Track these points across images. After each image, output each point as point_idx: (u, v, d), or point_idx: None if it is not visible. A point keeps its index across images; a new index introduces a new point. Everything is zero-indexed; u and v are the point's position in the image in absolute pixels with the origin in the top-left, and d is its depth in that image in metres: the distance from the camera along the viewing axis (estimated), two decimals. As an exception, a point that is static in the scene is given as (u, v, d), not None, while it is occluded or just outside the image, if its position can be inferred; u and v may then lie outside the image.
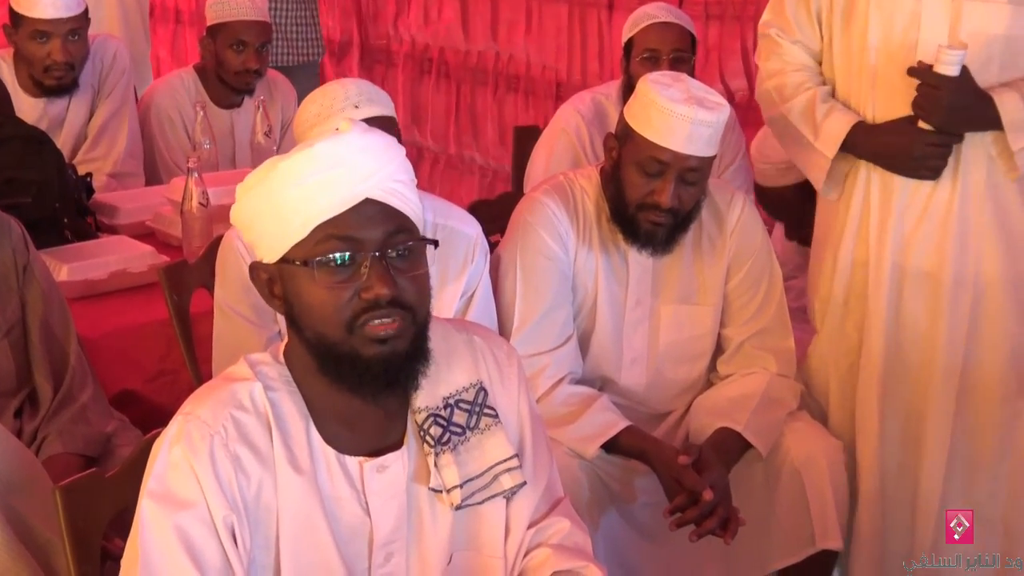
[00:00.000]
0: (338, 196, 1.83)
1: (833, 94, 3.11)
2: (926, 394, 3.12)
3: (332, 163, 1.83)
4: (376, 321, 1.83)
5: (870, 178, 3.07)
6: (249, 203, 1.89)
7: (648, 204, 2.96)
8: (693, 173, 2.94)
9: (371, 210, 1.85)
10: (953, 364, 3.07)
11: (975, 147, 2.95)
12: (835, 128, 3.02)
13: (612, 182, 3.05)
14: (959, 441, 3.11)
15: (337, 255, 1.83)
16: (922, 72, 2.87)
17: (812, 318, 3.33)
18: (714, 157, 3.00)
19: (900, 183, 3.02)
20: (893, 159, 3.00)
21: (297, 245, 1.85)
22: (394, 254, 1.86)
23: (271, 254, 1.89)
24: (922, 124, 2.92)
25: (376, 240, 1.85)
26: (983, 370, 3.08)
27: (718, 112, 2.91)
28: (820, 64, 3.16)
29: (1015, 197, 3.00)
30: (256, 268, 1.94)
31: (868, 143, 3.02)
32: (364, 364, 1.85)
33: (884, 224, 3.06)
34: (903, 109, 2.95)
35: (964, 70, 2.85)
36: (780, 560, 3.09)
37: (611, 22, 5.73)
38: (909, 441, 3.15)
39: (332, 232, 1.83)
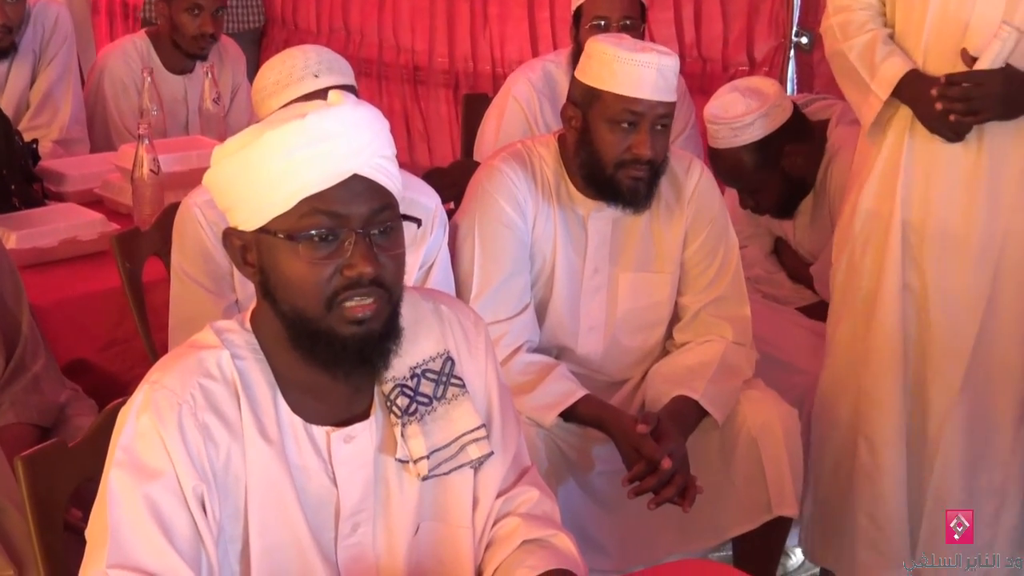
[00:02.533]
0: (326, 171, 1.80)
1: (892, 38, 3.10)
2: (935, 356, 3.14)
3: (322, 136, 1.80)
4: (354, 300, 1.81)
5: (907, 129, 3.07)
6: (229, 169, 1.85)
7: (628, 160, 2.96)
8: (664, 119, 2.97)
9: (358, 186, 1.82)
10: (970, 326, 3.09)
11: None
12: (890, 72, 3.02)
13: (582, 149, 3.03)
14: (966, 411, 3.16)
15: (321, 230, 1.80)
16: (967, 74, 2.89)
17: (834, 249, 3.34)
18: (675, 104, 3.02)
19: (932, 140, 3.03)
20: (921, 109, 3.01)
21: (280, 217, 1.81)
22: (377, 232, 1.83)
23: (249, 222, 1.85)
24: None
25: (361, 217, 1.82)
26: (1001, 337, 3.10)
27: (674, 56, 2.98)
28: (884, 5, 3.15)
29: None
30: (230, 234, 1.90)
31: (911, 91, 3.02)
32: (340, 343, 1.83)
33: (917, 178, 3.07)
34: (950, 65, 2.95)
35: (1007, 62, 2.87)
36: (737, 527, 3.11)
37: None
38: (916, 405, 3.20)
39: (318, 207, 1.80)
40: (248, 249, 1.88)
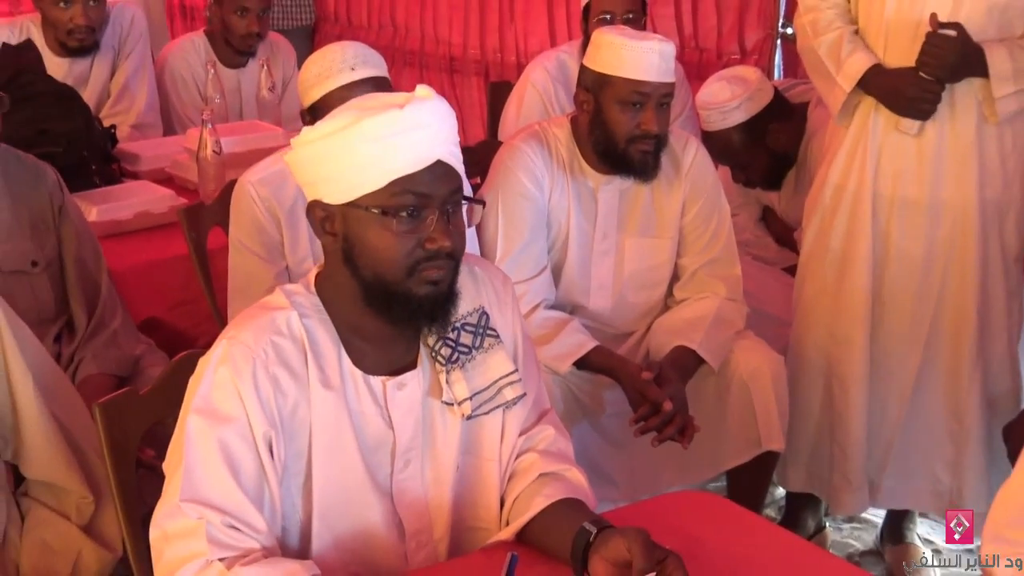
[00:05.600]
0: (417, 156, 1.80)
1: (857, 33, 3.10)
2: (898, 309, 3.15)
3: (415, 125, 1.80)
4: (431, 269, 1.84)
5: (871, 114, 3.07)
6: (321, 148, 1.84)
7: (638, 135, 2.96)
8: (666, 98, 2.97)
9: (440, 170, 1.83)
10: (930, 285, 3.10)
11: (965, 95, 2.96)
12: (854, 67, 3.02)
13: (596, 128, 3.01)
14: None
15: (410, 208, 1.81)
16: (930, 35, 2.88)
17: (804, 216, 3.33)
18: (675, 85, 3.02)
19: (899, 121, 3.02)
20: (892, 99, 3.01)
21: (371, 194, 1.81)
22: (451, 210, 1.85)
23: (337, 196, 1.85)
24: (923, 75, 2.93)
25: (442, 197, 1.83)
26: (953, 297, 3.10)
27: (671, 43, 2.98)
28: (849, 3, 3.14)
29: (994, 137, 3.01)
30: (314, 206, 1.89)
31: (876, 83, 3.01)
32: (416, 302, 1.85)
33: (879, 155, 3.07)
34: (908, 57, 2.95)
35: (961, 31, 2.86)
36: (730, 461, 3.11)
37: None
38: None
39: (408, 187, 1.80)
40: (330, 219, 1.88)
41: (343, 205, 1.85)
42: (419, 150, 1.80)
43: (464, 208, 1.90)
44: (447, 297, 1.88)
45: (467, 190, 3.02)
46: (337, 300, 1.91)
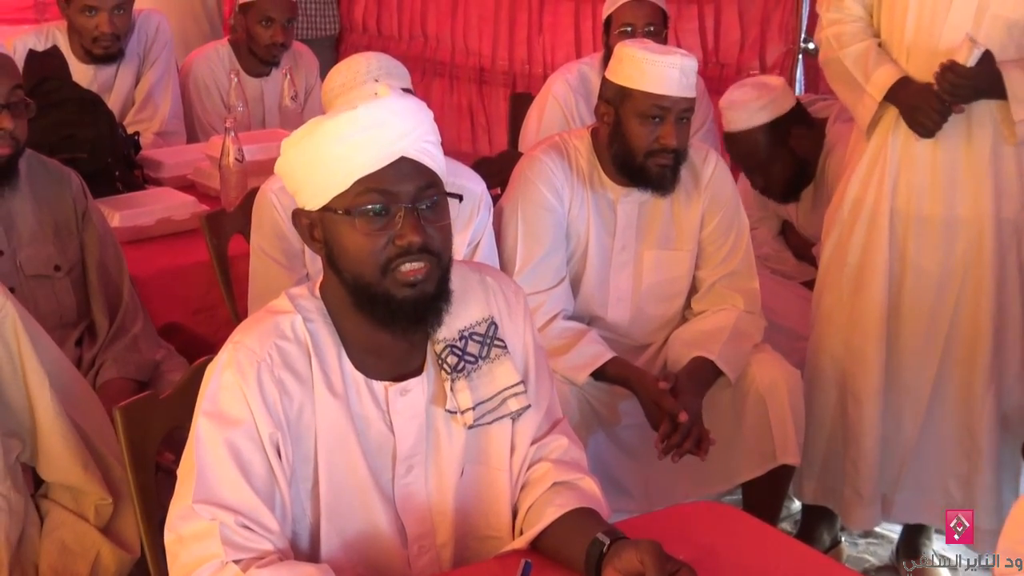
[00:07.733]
0: (377, 153, 1.82)
1: (881, 46, 3.11)
2: (912, 324, 3.15)
3: (372, 123, 1.81)
4: (407, 266, 1.83)
5: (891, 129, 3.08)
6: (295, 156, 1.87)
7: (656, 149, 2.96)
8: (686, 113, 2.97)
9: (405, 167, 1.83)
10: (945, 300, 3.10)
11: (982, 114, 2.97)
12: (883, 78, 3.03)
13: (615, 140, 3.02)
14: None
15: (375, 206, 1.82)
16: (953, 67, 2.88)
17: (823, 230, 3.34)
18: (696, 100, 3.02)
19: (909, 137, 3.04)
20: (900, 108, 3.02)
21: (338, 196, 1.83)
22: (424, 206, 1.85)
23: (313, 202, 1.87)
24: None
25: (409, 194, 1.83)
26: (969, 311, 3.10)
27: (693, 58, 2.97)
28: (872, 17, 3.16)
29: (1012, 156, 3.02)
30: (298, 214, 1.92)
31: (902, 93, 3.02)
32: (396, 304, 1.84)
33: (897, 171, 3.08)
34: (927, 75, 2.96)
35: (980, 59, 2.87)
36: (746, 474, 3.12)
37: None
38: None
39: (371, 186, 1.82)
40: (314, 226, 1.90)
41: (320, 211, 1.87)
42: (379, 148, 1.81)
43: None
44: (433, 297, 1.87)
45: (488, 192, 3.05)
46: (335, 306, 1.92)
